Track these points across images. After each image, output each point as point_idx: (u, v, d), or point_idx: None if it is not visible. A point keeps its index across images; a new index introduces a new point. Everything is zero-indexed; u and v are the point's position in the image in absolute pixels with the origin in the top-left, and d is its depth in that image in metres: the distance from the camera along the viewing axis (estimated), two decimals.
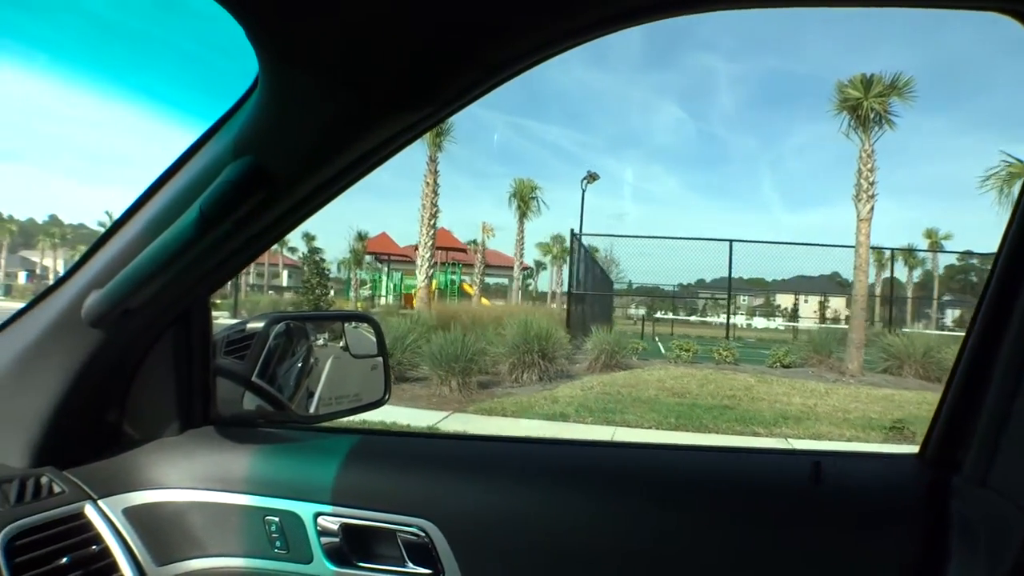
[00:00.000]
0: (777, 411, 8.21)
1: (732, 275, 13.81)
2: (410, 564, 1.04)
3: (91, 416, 1.09)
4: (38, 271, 47.25)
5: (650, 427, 6.99)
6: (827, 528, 0.97)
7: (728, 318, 15.12)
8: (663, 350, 14.08)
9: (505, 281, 36.70)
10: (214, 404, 1.17)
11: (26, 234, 60.23)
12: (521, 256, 32.75)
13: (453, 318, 12.62)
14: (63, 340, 1.00)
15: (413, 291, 31.39)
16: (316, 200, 0.91)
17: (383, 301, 31.39)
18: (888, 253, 20.25)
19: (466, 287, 32.49)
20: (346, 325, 1.39)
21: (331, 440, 1.17)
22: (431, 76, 0.69)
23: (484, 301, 25.67)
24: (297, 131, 0.78)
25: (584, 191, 22.50)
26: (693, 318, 37.07)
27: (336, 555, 1.06)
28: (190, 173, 0.90)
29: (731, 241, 13.55)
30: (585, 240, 14.31)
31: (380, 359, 1.34)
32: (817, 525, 0.97)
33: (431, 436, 1.39)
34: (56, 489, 1.01)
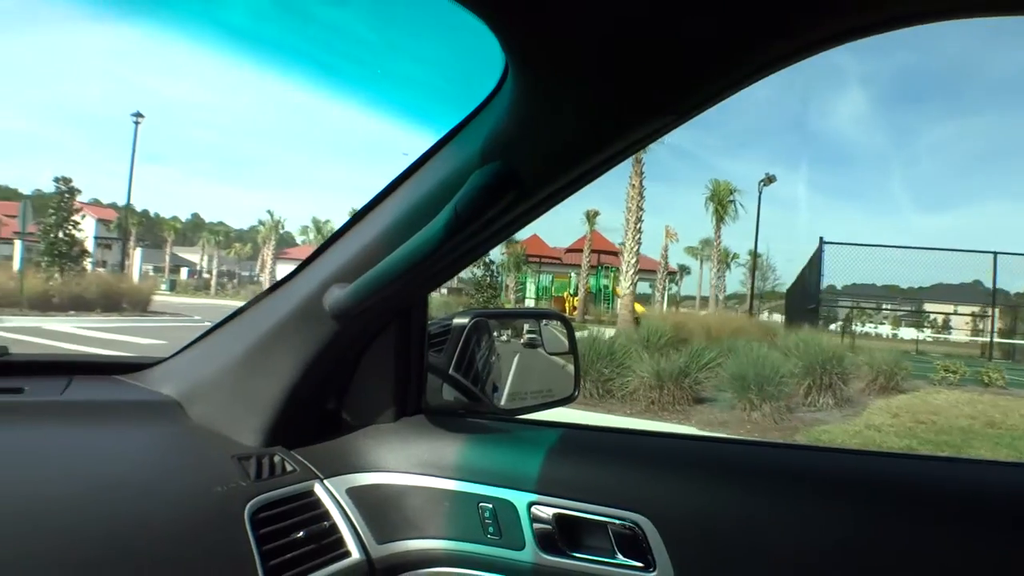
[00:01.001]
0: None
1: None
2: (620, 556, 1.03)
3: (316, 401, 1.16)
4: (198, 267, 50.93)
5: None
6: None
7: (991, 337, 14.12)
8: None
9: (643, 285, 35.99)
10: (424, 394, 1.22)
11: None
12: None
13: (680, 329, 12.44)
14: (302, 329, 1.06)
15: (564, 294, 31.55)
16: (551, 202, 0.91)
17: (531, 304, 31.51)
18: None
19: (618, 291, 32.16)
20: (540, 323, 1.47)
21: (538, 432, 1.19)
22: (680, 84, 0.69)
23: (639, 307, 25.23)
24: (546, 135, 0.79)
25: (760, 194, 21.84)
26: (832, 327, 35.07)
27: (547, 543, 1.06)
28: (436, 175, 0.92)
29: (995, 253, 12.70)
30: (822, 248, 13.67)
31: (571, 356, 1.41)
32: None
33: (636, 433, 1.33)
34: (288, 468, 1.07)
